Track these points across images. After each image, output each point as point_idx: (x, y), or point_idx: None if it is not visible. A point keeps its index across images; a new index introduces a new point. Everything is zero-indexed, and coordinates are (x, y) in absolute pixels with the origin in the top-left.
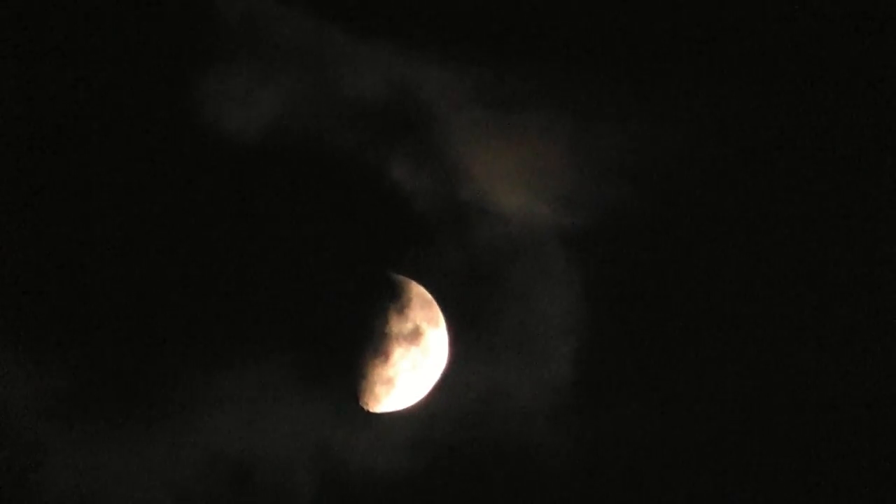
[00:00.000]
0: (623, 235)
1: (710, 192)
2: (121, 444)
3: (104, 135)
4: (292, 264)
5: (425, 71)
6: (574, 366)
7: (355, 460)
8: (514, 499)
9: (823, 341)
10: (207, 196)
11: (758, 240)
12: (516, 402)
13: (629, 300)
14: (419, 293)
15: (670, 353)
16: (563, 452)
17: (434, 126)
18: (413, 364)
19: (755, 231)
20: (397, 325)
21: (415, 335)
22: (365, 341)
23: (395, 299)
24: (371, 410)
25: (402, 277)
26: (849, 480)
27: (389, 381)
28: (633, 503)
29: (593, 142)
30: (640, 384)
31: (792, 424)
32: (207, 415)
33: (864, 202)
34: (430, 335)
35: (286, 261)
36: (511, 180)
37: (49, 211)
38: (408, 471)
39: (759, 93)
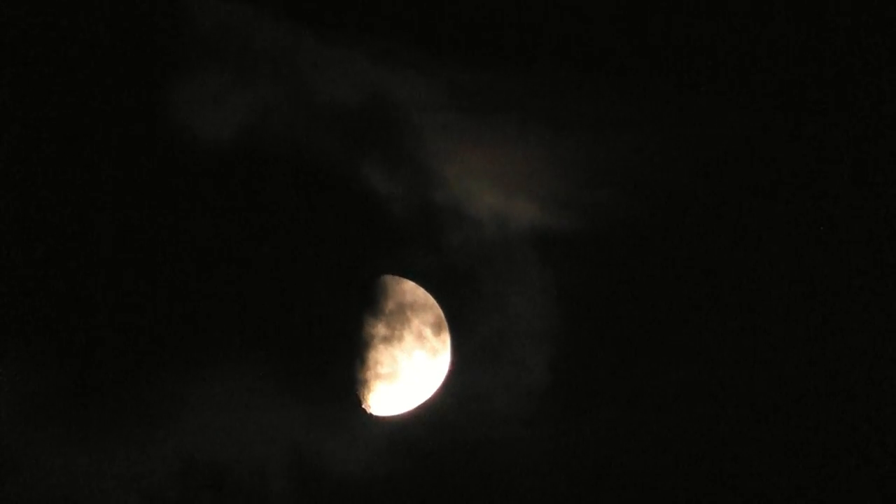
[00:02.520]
0: (597, 240)
1: (686, 196)
2: (96, 448)
3: (78, 140)
4: (267, 268)
5: (398, 76)
6: (550, 371)
7: (331, 464)
8: (489, 502)
9: (799, 344)
10: (182, 201)
11: (735, 244)
12: (493, 407)
13: (604, 305)
14: (402, 294)
15: (645, 358)
16: (539, 457)
17: (408, 130)
18: (396, 367)
19: (732, 236)
20: (378, 329)
21: (398, 338)
22: (345, 344)
23: (374, 302)
24: (370, 413)
25: (388, 278)
26: (826, 485)
27: (366, 384)
28: None
29: (567, 146)
30: (616, 390)
31: (767, 427)
32: (182, 419)
33: (846, 212)
34: (415, 337)
35: (260, 265)
36: (485, 184)
37: (24, 219)
38: (384, 475)
39: (741, 97)
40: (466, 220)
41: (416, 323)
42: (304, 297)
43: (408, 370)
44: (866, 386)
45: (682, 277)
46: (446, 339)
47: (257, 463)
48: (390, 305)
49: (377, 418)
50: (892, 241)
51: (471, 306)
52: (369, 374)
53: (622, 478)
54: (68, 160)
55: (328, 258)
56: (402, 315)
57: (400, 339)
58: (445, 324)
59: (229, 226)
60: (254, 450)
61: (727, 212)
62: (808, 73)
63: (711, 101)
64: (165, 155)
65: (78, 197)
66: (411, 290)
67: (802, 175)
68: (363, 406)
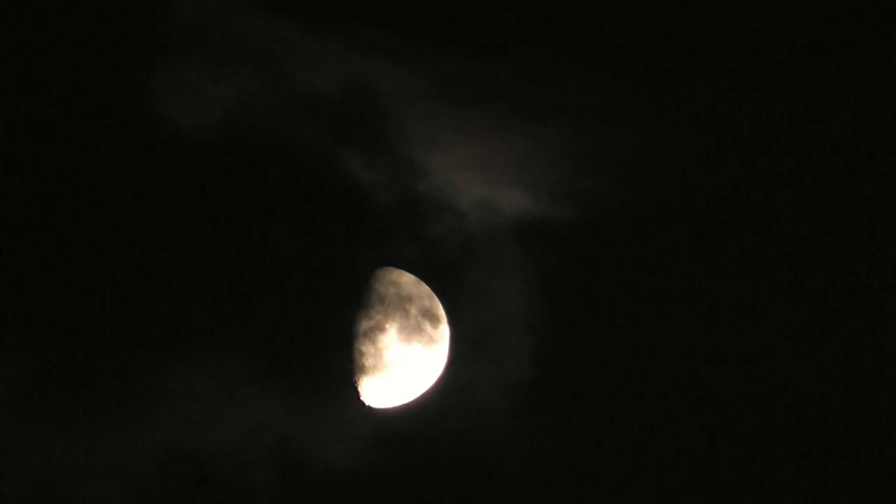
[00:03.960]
0: (582, 230)
1: (673, 186)
2: (78, 439)
3: (58, 129)
4: (248, 258)
5: (380, 66)
6: (532, 363)
7: (315, 456)
8: (472, 494)
9: (789, 334)
10: (164, 191)
11: (725, 236)
12: (475, 399)
13: (588, 296)
14: (399, 286)
15: (628, 351)
16: (521, 449)
17: (389, 120)
18: (392, 359)
19: (722, 227)
20: (374, 320)
21: (394, 329)
22: (334, 335)
23: (367, 293)
24: (367, 404)
25: (385, 269)
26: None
27: (362, 376)
28: (589, 499)
29: (551, 136)
30: (598, 382)
31: (753, 418)
32: (165, 410)
33: (840, 201)
34: (412, 328)
35: (242, 254)
36: (468, 174)
37: (3, 208)
38: (367, 466)
39: (733, 85)
40: (449, 210)
41: (413, 314)
42: (288, 286)
43: (404, 362)
44: (857, 370)
45: (667, 268)
46: (443, 330)
47: (241, 454)
48: (387, 296)
49: (372, 410)
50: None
51: (454, 297)
52: (363, 366)
53: (604, 470)
54: (47, 149)
55: (311, 248)
56: (398, 306)
57: (396, 330)
58: (443, 316)
59: (212, 215)
60: (238, 441)
61: (716, 202)
62: (802, 60)
63: (701, 89)
64: (146, 145)
65: (58, 187)
66: (409, 282)
67: (796, 165)
68: (360, 398)
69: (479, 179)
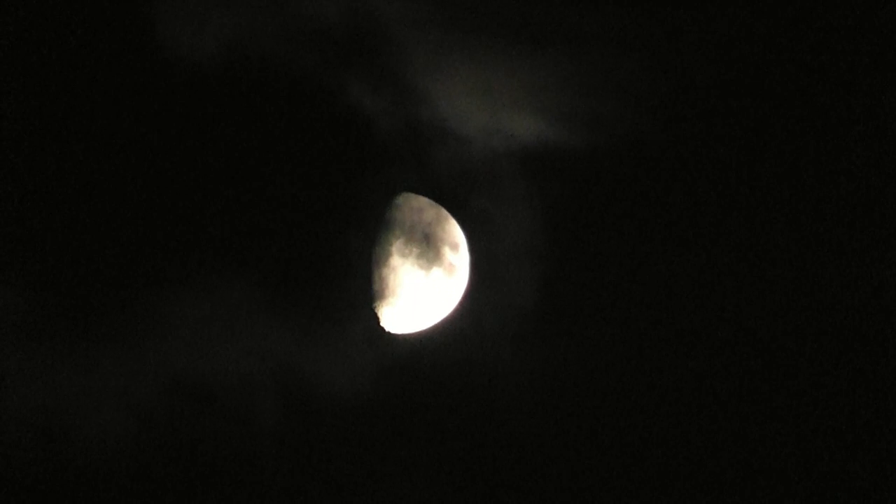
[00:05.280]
0: (587, 158)
1: (683, 114)
2: (81, 365)
3: (57, 59)
4: (254, 185)
5: None
6: (538, 291)
7: (323, 383)
8: (478, 423)
9: (801, 279)
10: (165, 119)
11: (739, 169)
12: (480, 327)
13: (596, 224)
14: (418, 212)
15: (634, 280)
16: (527, 377)
17: (393, 47)
18: (408, 286)
19: (736, 159)
20: (391, 246)
21: (399, 254)
22: (345, 261)
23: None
24: (386, 331)
25: (404, 195)
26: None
27: (379, 302)
28: (595, 429)
29: (557, 62)
30: (604, 310)
31: (749, 358)
32: (169, 335)
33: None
34: (432, 255)
35: (248, 181)
36: (472, 102)
37: (6, 140)
38: (372, 394)
39: (747, 11)
40: (452, 137)
41: (433, 240)
42: (294, 211)
43: (422, 288)
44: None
45: (678, 197)
46: (463, 257)
47: (247, 381)
48: (406, 222)
49: (389, 337)
50: None
51: (465, 224)
52: (381, 291)
53: (610, 400)
54: (47, 80)
55: (316, 174)
56: (417, 232)
57: (416, 255)
58: (463, 242)
59: (216, 144)
60: (244, 367)
61: (732, 131)
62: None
63: (718, 14)
64: (148, 76)
65: (61, 119)
66: (427, 208)
67: (815, 94)
68: (379, 324)
69: (485, 105)
